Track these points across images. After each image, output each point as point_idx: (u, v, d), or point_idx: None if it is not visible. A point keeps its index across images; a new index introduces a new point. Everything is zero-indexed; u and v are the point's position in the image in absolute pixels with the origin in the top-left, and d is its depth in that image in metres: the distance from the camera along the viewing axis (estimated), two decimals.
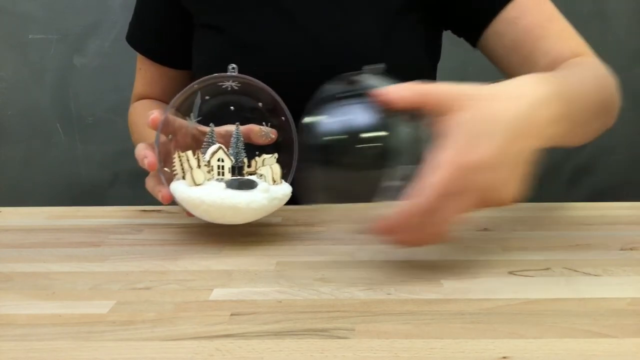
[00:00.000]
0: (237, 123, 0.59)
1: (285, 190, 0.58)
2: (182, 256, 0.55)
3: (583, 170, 1.42)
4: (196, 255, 0.55)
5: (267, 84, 0.60)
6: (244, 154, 0.58)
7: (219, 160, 0.57)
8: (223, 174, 0.57)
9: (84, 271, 0.52)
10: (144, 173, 0.59)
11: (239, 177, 0.57)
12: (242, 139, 0.58)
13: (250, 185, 0.55)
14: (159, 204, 0.59)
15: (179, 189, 0.55)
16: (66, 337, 0.40)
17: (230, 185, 0.55)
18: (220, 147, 0.57)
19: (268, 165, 0.57)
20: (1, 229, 0.65)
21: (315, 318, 0.42)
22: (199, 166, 0.55)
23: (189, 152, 0.56)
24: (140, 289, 0.48)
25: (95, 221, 0.67)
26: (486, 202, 0.42)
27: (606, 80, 0.63)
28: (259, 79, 0.59)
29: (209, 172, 0.56)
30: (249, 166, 0.60)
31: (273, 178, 0.57)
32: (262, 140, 0.61)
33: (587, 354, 0.37)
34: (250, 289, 0.48)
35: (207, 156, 0.57)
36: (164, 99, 0.90)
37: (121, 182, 1.41)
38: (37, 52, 1.35)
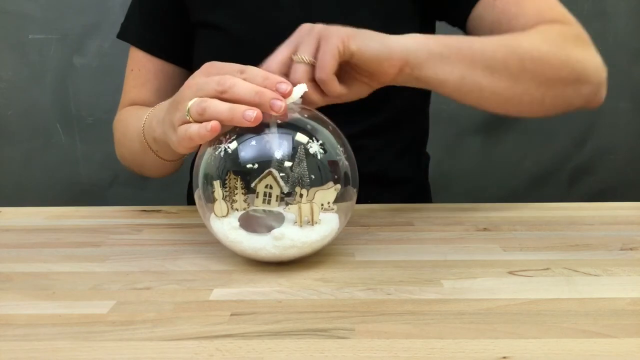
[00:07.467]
0: (295, 136, 0.48)
1: (314, 235, 0.50)
2: (182, 256, 0.55)
3: (583, 170, 1.42)
4: (196, 255, 0.55)
5: None
6: (305, 182, 0.48)
7: (266, 187, 0.48)
8: (269, 202, 0.48)
9: (84, 271, 0.52)
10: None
11: (262, 213, 0.49)
12: (305, 161, 0.48)
13: (270, 225, 0.49)
14: (159, 204, 0.59)
15: (212, 216, 0.51)
16: (66, 337, 0.40)
17: (244, 224, 0.49)
18: (270, 172, 0.47)
19: (298, 204, 0.48)
20: (1, 229, 0.65)
21: (315, 318, 0.42)
22: (224, 196, 0.49)
23: (238, 178, 0.48)
24: (140, 289, 0.48)
25: (95, 221, 0.67)
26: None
27: (559, 44, 0.64)
28: None
29: (256, 196, 0.48)
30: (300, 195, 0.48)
31: (302, 220, 0.49)
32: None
33: (587, 354, 0.37)
34: (250, 289, 0.48)
35: (254, 181, 0.48)
36: (156, 102, 0.87)
37: (121, 182, 1.40)
38: (37, 52, 1.35)
